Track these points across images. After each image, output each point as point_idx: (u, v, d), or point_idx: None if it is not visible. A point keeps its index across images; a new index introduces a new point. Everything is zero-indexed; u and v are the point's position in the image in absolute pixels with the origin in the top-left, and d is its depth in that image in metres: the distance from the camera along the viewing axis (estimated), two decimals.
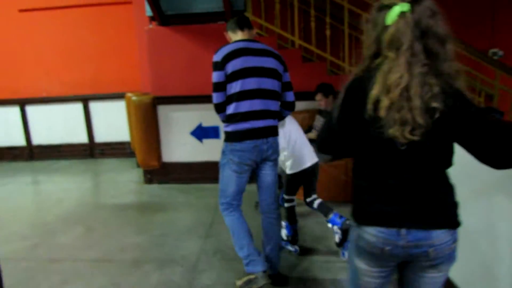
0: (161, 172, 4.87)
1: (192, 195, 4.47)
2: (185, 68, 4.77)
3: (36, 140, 6.68)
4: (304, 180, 2.97)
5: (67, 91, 6.49)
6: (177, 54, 4.78)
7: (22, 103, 6.56)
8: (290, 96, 2.44)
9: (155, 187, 4.77)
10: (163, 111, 4.84)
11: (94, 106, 6.48)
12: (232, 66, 2.18)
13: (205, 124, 4.84)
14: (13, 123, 6.62)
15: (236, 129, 2.25)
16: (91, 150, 6.58)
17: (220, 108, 2.30)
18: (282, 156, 2.83)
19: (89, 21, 6.23)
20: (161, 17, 4.44)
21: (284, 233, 2.96)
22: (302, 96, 4.41)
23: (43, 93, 6.58)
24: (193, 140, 4.88)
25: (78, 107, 6.49)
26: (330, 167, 3.78)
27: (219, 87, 2.25)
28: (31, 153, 6.69)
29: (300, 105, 4.35)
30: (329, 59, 4.53)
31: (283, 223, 2.96)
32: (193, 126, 4.86)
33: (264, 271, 2.34)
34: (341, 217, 2.80)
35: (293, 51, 4.45)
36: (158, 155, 4.84)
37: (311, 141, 3.36)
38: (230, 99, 2.24)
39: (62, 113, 6.55)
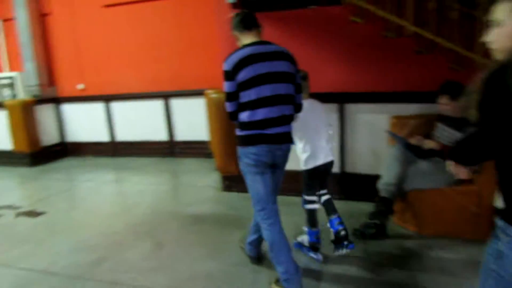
0: (241, 180, 4.34)
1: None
2: None
3: (120, 136, 6.65)
4: (318, 177, 2.80)
5: (149, 87, 6.34)
6: None
7: (106, 99, 6.56)
8: (299, 98, 2.38)
9: (234, 196, 4.25)
10: None
11: (175, 103, 6.22)
12: (244, 75, 2.12)
13: None
14: (99, 119, 6.66)
15: (250, 133, 2.21)
16: (171, 149, 6.35)
17: (234, 116, 2.27)
18: (298, 148, 2.75)
19: (171, 15, 5.95)
20: (243, 2, 3.88)
21: (305, 239, 2.86)
22: (416, 97, 3.56)
23: (126, 89, 6.50)
24: None
25: (159, 104, 6.28)
26: (457, 194, 2.87)
27: (232, 97, 2.20)
28: (114, 149, 6.69)
29: (411, 109, 3.56)
30: (455, 51, 3.52)
31: (304, 228, 2.87)
32: None
33: None
34: (341, 223, 2.74)
35: (402, 42, 3.57)
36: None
37: (431, 151, 2.90)
38: (244, 107, 2.19)
39: (144, 110, 6.41)
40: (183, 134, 6.27)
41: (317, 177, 2.79)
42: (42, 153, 6.45)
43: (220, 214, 3.83)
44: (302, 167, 2.76)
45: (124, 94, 6.49)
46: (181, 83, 6.08)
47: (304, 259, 2.79)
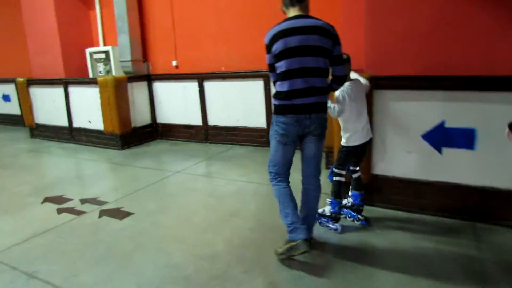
0: (369, 188, 3.28)
1: (414, 233, 2.79)
2: (425, 34, 3.00)
3: (213, 120, 5.92)
4: (355, 155, 2.91)
5: (246, 66, 5.46)
6: (413, 13, 3.03)
7: (200, 78, 5.84)
8: (339, 70, 2.45)
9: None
10: (382, 98, 3.19)
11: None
12: (277, 47, 2.31)
13: (451, 123, 2.98)
14: (191, 100, 5.99)
15: (281, 103, 2.37)
16: (268, 138, 5.45)
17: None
18: (341, 122, 2.87)
19: None
20: None
21: (327, 209, 2.98)
22: None
23: (222, 67, 5.71)
24: (426, 147, 3.10)
25: (258, 85, 5.39)
26: None
27: (271, 68, 2.45)
28: (206, 134, 6.00)
29: None
30: None
31: (328, 199, 2.99)
32: (428, 125, 3.06)
33: (305, 239, 2.36)
34: (362, 201, 2.97)
35: None
36: (367, 164, 3.25)
37: None
38: (278, 77, 2.37)
39: (242, 91, 5.57)
40: None
41: (353, 155, 2.91)
42: (133, 135, 6.00)
43: (338, 238, 2.81)
44: (342, 143, 2.88)
45: (220, 73, 5.70)
46: None
47: (322, 230, 2.90)
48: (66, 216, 3.40)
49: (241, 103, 5.59)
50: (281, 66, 2.31)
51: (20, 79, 6.94)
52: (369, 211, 3.16)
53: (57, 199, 3.80)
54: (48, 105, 6.73)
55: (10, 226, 3.27)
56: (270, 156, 2.53)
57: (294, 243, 2.36)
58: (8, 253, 2.77)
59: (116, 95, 5.62)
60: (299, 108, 2.32)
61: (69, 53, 6.62)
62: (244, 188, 3.92)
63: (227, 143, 5.78)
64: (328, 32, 2.31)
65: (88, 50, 6.62)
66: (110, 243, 2.88)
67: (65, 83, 6.30)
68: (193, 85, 5.90)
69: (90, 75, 6.72)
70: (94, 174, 4.79)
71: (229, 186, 4.02)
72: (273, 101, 2.44)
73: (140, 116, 6.18)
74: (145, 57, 6.41)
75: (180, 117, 6.17)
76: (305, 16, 2.36)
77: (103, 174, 4.86)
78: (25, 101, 7.00)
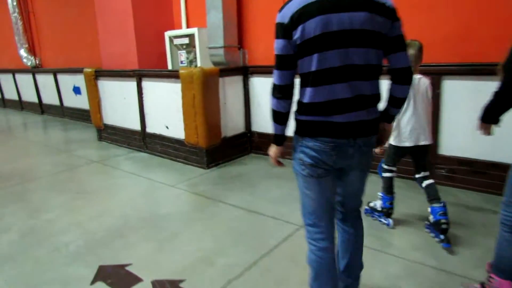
0: None
1: None
2: None
3: None
4: (408, 155, 2.67)
5: None
6: None
7: None
8: (400, 59, 1.50)
9: None
10: None
11: (453, 85, 3.36)
12: (306, 30, 1.38)
13: None
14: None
15: (311, 119, 1.50)
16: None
17: (284, 92, 1.52)
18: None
19: None
20: None
21: (379, 204, 2.83)
22: None
23: None
24: None
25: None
26: None
27: (285, 62, 1.48)
28: None
29: None
30: None
31: (379, 194, 2.83)
32: None
33: None
34: (444, 214, 2.45)
35: None
36: None
37: None
38: (303, 80, 1.48)
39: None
40: None
41: (402, 156, 2.70)
42: (221, 148, 4.42)
43: None
44: (390, 141, 2.61)
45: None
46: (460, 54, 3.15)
47: (374, 224, 2.75)
48: None
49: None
50: (308, 62, 1.43)
51: (87, 70, 5.70)
52: None
53: (117, 276, 2.28)
54: (117, 102, 5.41)
55: None
56: (301, 200, 1.66)
57: None
58: None
59: (204, 94, 4.05)
60: (340, 128, 1.47)
61: (145, 38, 5.19)
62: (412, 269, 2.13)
63: None
64: (381, 6, 1.40)
65: (168, 34, 5.15)
66: None
67: (139, 76, 4.90)
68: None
69: (169, 66, 5.27)
70: (172, 216, 3.17)
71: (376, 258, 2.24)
72: (296, 116, 1.56)
73: (232, 123, 4.58)
74: (240, 42, 4.79)
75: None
76: None
77: (185, 218, 3.19)
78: (93, 96, 5.76)
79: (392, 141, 2.61)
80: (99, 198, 3.59)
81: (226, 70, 4.42)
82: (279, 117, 1.57)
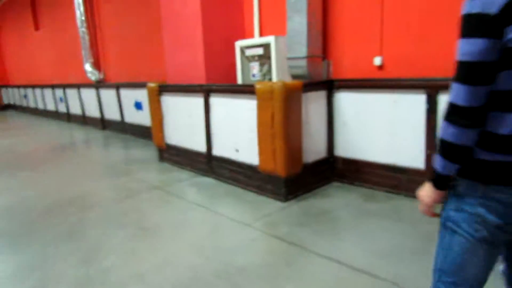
0: None
1: None
2: None
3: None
4: None
5: None
6: None
7: (428, 87, 3.22)
8: None
9: None
10: None
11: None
12: None
13: None
14: (405, 122, 3.43)
15: (504, 159, 1.05)
16: None
17: (474, 118, 1.03)
18: None
19: None
20: None
21: None
22: None
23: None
24: None
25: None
26: None
27: (481, 73, 0.99)
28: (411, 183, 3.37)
29: None
30: None
31: None
32: None
33: None
34: None
35: None
36: None
37: None
38: (501, 102, 1.02)
39: None
40: None
41: None
42: (302, 176, 3.71)
43: None
44: None
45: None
46: None
47: None
48: None
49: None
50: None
51: (151, 85, 5.29)
52: None
53: None
54: (182, 120, 4.92)
55: None
56: (440, 259, 1.23)
57: None
58: None
59: (286, 113, 3.38)
60: None
61: (213, 49, 4.67)
62: None
63: None
64: None
65: (239, 44, 4.57)
66: None
67: (206, 92, 4.35)
68: (414, 99, 3.34)
69: (239, 80, 4.69)
70: (251, 270, 2.47)
71: None
72: (479, 154, 1.08)
73: (314, 146, 3.86)
74: (324, 52, 4.09)
75: (378, 150, 3.67)
76: None
77: (269, 274, 2.49)
78: (156, 113, 5.33)
79: None
80: (163, 239, 3.01)
81: (310, 85, 3.72)
82: (458, 153, 1.08)
